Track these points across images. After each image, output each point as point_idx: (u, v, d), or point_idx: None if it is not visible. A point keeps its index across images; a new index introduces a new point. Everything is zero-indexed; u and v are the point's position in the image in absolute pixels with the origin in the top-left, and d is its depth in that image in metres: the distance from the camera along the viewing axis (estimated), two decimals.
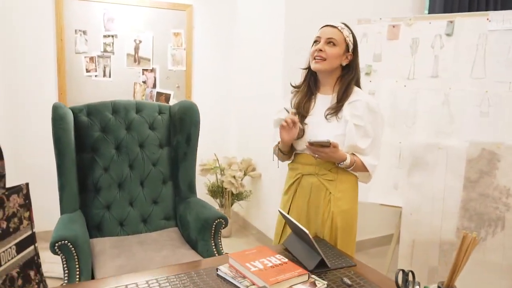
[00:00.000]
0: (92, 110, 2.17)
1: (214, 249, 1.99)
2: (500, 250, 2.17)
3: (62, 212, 1.97)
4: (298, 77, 1.77)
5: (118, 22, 3.26)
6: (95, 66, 3.23)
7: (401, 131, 2.50)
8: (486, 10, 3.27)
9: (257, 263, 1.27)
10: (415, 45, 2.49)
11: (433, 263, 2.36)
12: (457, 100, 2.36)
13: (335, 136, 1.59)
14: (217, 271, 1.31)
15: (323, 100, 1.69)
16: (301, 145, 1.67)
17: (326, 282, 1.24)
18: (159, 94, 3.49)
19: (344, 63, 1.66)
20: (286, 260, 1.32)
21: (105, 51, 3.25)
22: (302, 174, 1.69)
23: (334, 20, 1.68)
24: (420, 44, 2.47)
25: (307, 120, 1.67)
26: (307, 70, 1.72)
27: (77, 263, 1.69)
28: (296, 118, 1.61)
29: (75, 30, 3.14)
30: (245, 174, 3.44)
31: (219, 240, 2.03)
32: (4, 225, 0.99)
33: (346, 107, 1.63)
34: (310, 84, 1.71)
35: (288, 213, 1.71)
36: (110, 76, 3.29)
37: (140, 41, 3.35)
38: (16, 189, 1.04)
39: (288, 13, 2.94)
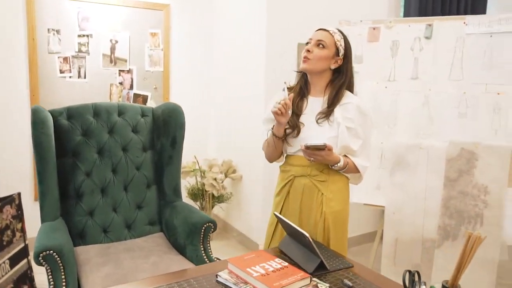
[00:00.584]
0: (72, 113, 2.08)
1: (204, 254, 1.96)
2: (480, 246, 2.24)
3: (43, 220, 1.88)
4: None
5: (93, 22, 3.15)
6: (70, 66, 3.10)
7: (383, 132, 2.55)
8: (457, 14, 3.39)
9: (258, 268, 1.26)
10: (395, 48, 2.54)
11: (415, 261, 2.42)
12: (437, 102, 2.43)
13: (328, 138, 1.60)
14: (217, 277, 1.28)
15: (314, 102, 1.70)
16: (294, 147, 1.67)
17: (328, 285, 1.25)
18: (136, 95, 3.40)
19: (333, 67, 1.68)
20: (286, 264, 1.31)
21: (79, 51, 3.13)
22: (295, 176, 1.70)
23: (327, 24, 1.71)
24: (400, 47, 2.53)
25: (301, 119, 1.67)
26: (301, 71, 1.73)
27: (63, 273, 1.61)
28: (287, 100, 1.56)
29: (48, 29, 3.01)
30: (226, 176, 3.41)
31: (208, 245, 1.99)
32: None
33: (338, 109, 1.65)
34: (302, 85, 1.72)
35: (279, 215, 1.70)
36: (85, 77, 3.17)
37: (116, 41, 3.25)
38: (9, 200, 0.98)
39: (270, 13, 2.93)
